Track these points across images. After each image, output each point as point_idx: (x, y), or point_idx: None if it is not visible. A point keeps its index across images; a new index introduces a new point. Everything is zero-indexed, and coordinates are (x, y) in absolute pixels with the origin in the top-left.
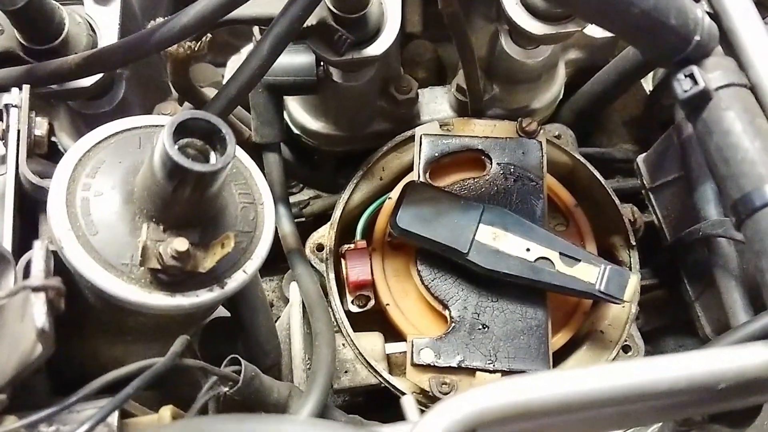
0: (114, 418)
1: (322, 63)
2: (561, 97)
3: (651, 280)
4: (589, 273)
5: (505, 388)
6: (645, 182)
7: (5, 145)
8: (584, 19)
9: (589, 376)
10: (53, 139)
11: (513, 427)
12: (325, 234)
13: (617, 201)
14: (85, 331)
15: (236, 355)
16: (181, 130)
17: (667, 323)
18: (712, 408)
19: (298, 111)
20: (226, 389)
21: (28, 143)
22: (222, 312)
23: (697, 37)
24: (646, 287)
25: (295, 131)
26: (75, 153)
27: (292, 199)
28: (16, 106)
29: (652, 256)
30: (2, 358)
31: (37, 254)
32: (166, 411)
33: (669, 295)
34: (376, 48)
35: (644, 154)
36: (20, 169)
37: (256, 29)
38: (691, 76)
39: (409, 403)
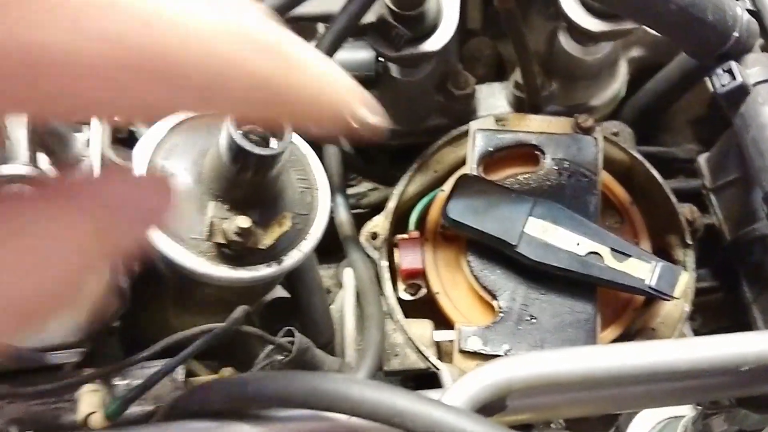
0: (180, 374)
1: (380, 59)
2: (623, 95)
3: (710, 282)
4: (640, 269)
5: (536, 359)
6: (706, 182)
7: (89, 128)
8: (623, 15)
9: (618, 353)
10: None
11: (542, 398)
12: (380, 223)
13: (674, 199)
14: (158, 302)
15: (291, 327)
16: None
17: (726, 326)
18: (737, 391)
19: None
20: (281, 358)
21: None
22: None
23: (735, 34)
24: (705, 289)
25: None
26: (153, 136)
27: (352, 191)
28: None
29: (712, 259)
30: (81, 316)
31: None
32: (228, 371)
33: (728, 297)
34: (433, 43)
35: (706, 153)
36: (104, 152)
37: (321, 26)
38: (730, 72)
39: (444, 372)
